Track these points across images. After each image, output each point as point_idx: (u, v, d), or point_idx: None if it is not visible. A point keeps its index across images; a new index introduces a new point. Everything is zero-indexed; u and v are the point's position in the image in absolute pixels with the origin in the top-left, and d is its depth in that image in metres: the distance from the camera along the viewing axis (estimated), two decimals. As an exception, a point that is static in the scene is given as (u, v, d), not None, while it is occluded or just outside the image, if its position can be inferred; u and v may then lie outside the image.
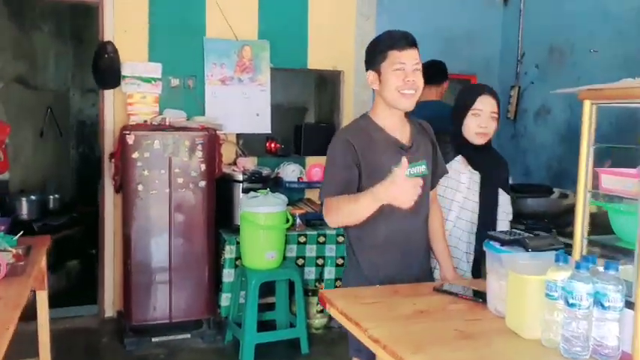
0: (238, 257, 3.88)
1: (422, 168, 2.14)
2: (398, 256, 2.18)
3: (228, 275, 3.90)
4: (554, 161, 4.59)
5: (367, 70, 2.12)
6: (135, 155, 3.67)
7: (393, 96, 2.04)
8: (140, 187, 3.69)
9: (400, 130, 2.15)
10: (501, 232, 2.12)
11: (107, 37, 4.06)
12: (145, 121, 4.00)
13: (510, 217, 2.64)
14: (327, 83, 5.03)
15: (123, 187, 3.72)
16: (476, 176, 2.51)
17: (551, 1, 4.67)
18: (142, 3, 4.14)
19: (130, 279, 3.75)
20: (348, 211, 1.97)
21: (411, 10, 4.82)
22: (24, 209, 5.40)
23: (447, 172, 2.37)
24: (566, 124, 4.49)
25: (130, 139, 3.66)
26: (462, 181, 2.50)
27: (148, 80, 4.09)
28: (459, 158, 2.51)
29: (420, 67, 2.07)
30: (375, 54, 2.08)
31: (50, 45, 6.38)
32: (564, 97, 4.48)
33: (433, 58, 4.58)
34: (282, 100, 6.29)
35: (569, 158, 4.44)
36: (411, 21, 4.80)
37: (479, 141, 2.47)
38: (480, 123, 2.45)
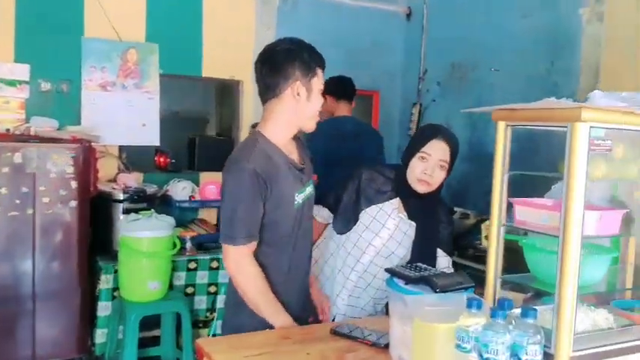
0: (117, 288, 3.42)
1: (310, 189, 2.00)
2: (297, 290, 2.01)
3: (104, 308, 3.42)
4: (454, 180, 4.48)
5: None
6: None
7: None
8: (-4, 209, 3.15)
9: (291, 148, 1.96)
10: (404, 266, 1.89)
11: (-38, 32, 3.48)
12: (7, 130, 3.46)
13: None
14: (226, 93, 4.68)
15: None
16: (406, 226, 2.26)
17: (453, 17, 4.61)
18: (6, -6, 3.60)
19: (-17, 312, 3.18)
20: (253, 301, 1.86)
21: (313, 20, 4.59)
22: None
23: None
24: (467, 143, 4.42)
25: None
26: (387, 226, 2.25)
27: (12, 83, 3.55)
28: (395, 201, 2.26)
29: None
30: None
31: None
32: (466, 115, 4.42)
33: (337, 70, 4.40)
34: (175, 111, 5.89)
35: (469, 177, 4.37)
36: (312, 31, 4.59)
37: (419, 188, 2.20)
38: (425, 169, 2.17)
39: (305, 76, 1.86)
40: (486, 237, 3.57)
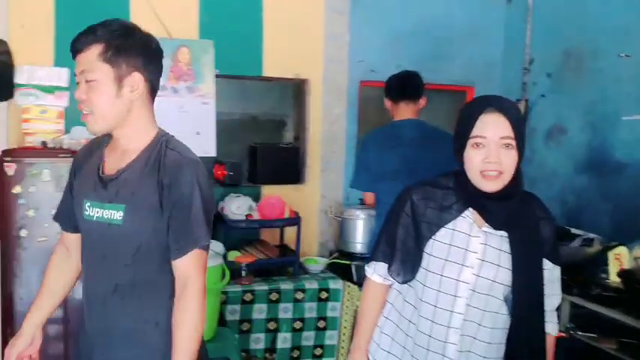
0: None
1: (117, 216, 1.54)
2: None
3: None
4: (571, 194, 3.65)
5: None
6: (16, 190, 2.74)
7: None
8: (23, 233, 2.76)
9: (121, 154, 1.60)
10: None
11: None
12: (44, 143, 3.07)
13: (557, 302, 1.73)
14: (294, 94, 4.11)
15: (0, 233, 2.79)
16: (497, 240, 1.63)
17: (566, -6, 3.76)
18: (44, -9, 3.23)
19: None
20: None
21: (395, 4, 3.91)
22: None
23: (200, 244, 1.54)
24: (586, 148, 3.56)
25: (10, 169, 2.74)
26: (471, 249, 1.63)
27: (49, 90, 3.16)
28: (468, 213, 1.65)
29: None
30: None
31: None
32: (584, 113, 3.57)
33: (422, 62, 3.72)
34: (247, 114, 5.45)
35: (590, 191, 3.52)
36: (393, 17, 3.94)
37: (488, 185, 1.58)
38: (486, 156, 1.56)
39: None
40: (619, 272, 2.74)
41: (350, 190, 3.86)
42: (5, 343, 2.80)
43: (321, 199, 3.83)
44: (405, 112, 2.96)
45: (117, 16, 3.22)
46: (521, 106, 3.99)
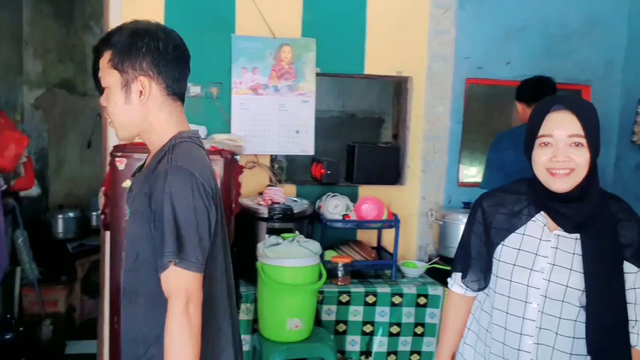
0: (257, 319, 2.97)
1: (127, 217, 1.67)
2: None
3: (243, 342, 2.98)
4: None
5: None
6: (126, 184, 2.84)
7: None
8: (132, 225, 2.87)
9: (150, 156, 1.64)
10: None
11: (113, 35, 3.30)
12: (152, 140, 3.19)
13: None
14: (395, 91, 4.01)
15: (110, 224, 2.92)
16: (571, 244, 1.54)
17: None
18: (156, -7, 3.35)
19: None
20: None
21: (506, -2, 3.71)
22: (59, 227, 4.96)
23: (169, 259, 1.41)
24: None
25: (121, 164, 2.85)
26: (541, 254, 1.56)
27: (159, 88, 3.28)
28: (540, 217, 1.59)
29: None
30: None
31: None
32: None
33: (534, 59, 3.55)
34: (345, 112, 5.44)
35: None
36: (503, 12, 3.73)
37: (557, 185, 1.51)
38: (554, 155, 1.52)
39: None
40: None
41: (452, 192, 3.72)
42: (113, 334, 2.93)
43: (420, 200, 3.70)
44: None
45: (223, 18, 3.40)
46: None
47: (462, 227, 3.36)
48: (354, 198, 3.52)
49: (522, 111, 3.07)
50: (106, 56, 1.49)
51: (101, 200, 3.06)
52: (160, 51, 1.50)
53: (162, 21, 3.31)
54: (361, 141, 3.77)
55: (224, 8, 3.43)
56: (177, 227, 1.39)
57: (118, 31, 1.51)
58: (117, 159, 2.86)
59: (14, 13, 4.96)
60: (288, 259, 2.73)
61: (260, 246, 2.83)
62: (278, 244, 2.79)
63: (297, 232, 2.95)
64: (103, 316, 3.38)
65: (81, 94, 5.37)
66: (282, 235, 2.88)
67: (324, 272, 2.86)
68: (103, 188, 3.01)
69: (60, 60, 5.31)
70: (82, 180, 5.32)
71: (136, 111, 1.50)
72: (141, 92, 1.49)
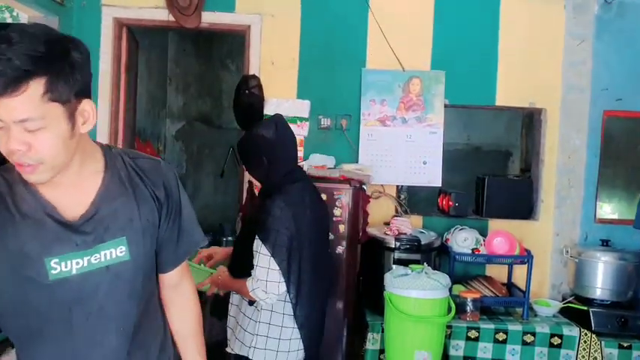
0: (384, 350, 2.97)
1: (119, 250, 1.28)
2: None
3: (368, 372, 3.01)
4: None
5: None
6: (253, 211, 3.01)
7: None
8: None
9: (72, 186, 1.26)
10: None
11: (253, 70, 3.53)
12: (286, 168, 3.34)
13: None
14: (532, 124, 3.90)
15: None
16: None
17: None
18: (293, 31, 3.54)
19: None
20: None
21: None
22: (192, 252, 5.27)
23: (203, 243, 1.49)
24: None
25: (257, 190, 3.02)
26: None
27: (292, 120, 3.45)
28: None
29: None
30: None
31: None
32: None
33: None
34: (469, 144, 5.35)
35: None
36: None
37: None
38: None
39: None
40: None
41: (589, 229, 3.53)
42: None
43: (554, 237, 3.53)
44: None
45: (355, 51, 3.53)
46: None
47: (600, 265, 3.22)
48: (483, 232, 3.44)
49: None
50: (34, 89, 1.09)
51: (238, 225, 3.25)
52: (80, 59, 1.18)
53: (297, 59, 3.53)
54: (491, 173, 3.69)
55: (356, 43, 3.55)
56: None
57: (23, 48, 1.06)
58: (255, 186, 3.03)
59: (161, 52, 5.46)
60: (416, 290, 2.71)
61: (388, 276, 2.84)
62: (407, 274, 2.79)
63: (425, 263, 2.93)
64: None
65: (216, 126, 5.75)
66: (411, 266, 2.88)
67: (453, 306, 2.81)
68: (241, 214, 3.19)
69: (199, 95, 5.75)
70: (215, 206, 5.64)
71: (77, 139, 1.23)
72: (84, 118, 1.21)
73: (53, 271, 1.20)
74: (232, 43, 5.57)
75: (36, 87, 1.07)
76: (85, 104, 1.18)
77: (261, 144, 2.23)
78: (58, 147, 1.14)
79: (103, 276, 1.24)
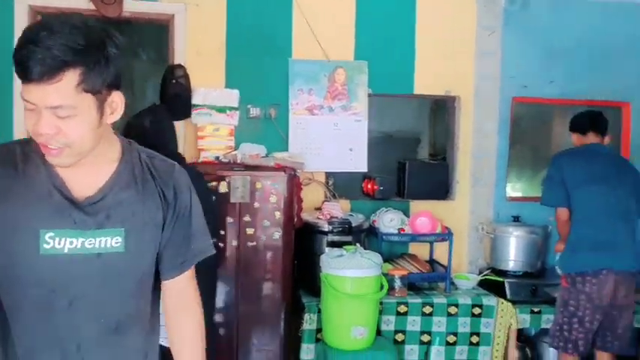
0: (321, 329, 3.10)
1: (114, 240, 1.27)
2: None
3: (307, 351, 3.13)
4: None
5: None
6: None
7: None
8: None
9: (88, 169, 1.27)
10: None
11: (178, 60, 3.51)
12: (217, 158, 3.38)
13: None
14: (441, 110, 4.15)
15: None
16: None
17: None
18: (218, 20, 3.56)
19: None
20: None
21: (548, 20, 3.84)
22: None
23: (210, 252, 1.46)
24: None
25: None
26: None
27: (221, 110, 3.48)
28: None
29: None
30: None
31: (151, 72, 6.04)
32: None
33: (576, 78, 3.71)
34: (387, 133, 5.55)
35: None
36: (547, 33, 3.86)
37: None
38: None
39: None
40: None
41: (501, 207, 3.83)
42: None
43: (470, 215, 3.82)
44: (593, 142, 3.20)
45: (281, 41, 3.60)
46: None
47: (512, 240, 3.53)
48: (405, 213, 3.65)
49: (576, 141, 3.27)
50: (70, 78, 1.14)
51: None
52: (116, 53, 1.23)
53: (224, 49, 3.55)
54: (408, 158, 3.90)
55: (282, 33, 3.62)
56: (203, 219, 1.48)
57: (64, 40, 1.12)
58: (189, 176, 3.03)
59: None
60: (351, 269, 2.86)
61: (324, 257, 2.97)
62: (342, 255, 2.93)
63: (357, 244, 3.09)
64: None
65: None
66: (345, 247, 3.02)
67: (385, 283, 2.99)
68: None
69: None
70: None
71: (103, 126, 1.29)
72: (112, 108, 1.27)
73: (45, 245, 1.21)
74: (145, 32, 5.42)
75: (71, 77, 1.11)
76: (115, 95, 1.22)
77: (140, 133, 2.21)
78: (86, 134, 1.18)
79: (93, 262, 1.24)
